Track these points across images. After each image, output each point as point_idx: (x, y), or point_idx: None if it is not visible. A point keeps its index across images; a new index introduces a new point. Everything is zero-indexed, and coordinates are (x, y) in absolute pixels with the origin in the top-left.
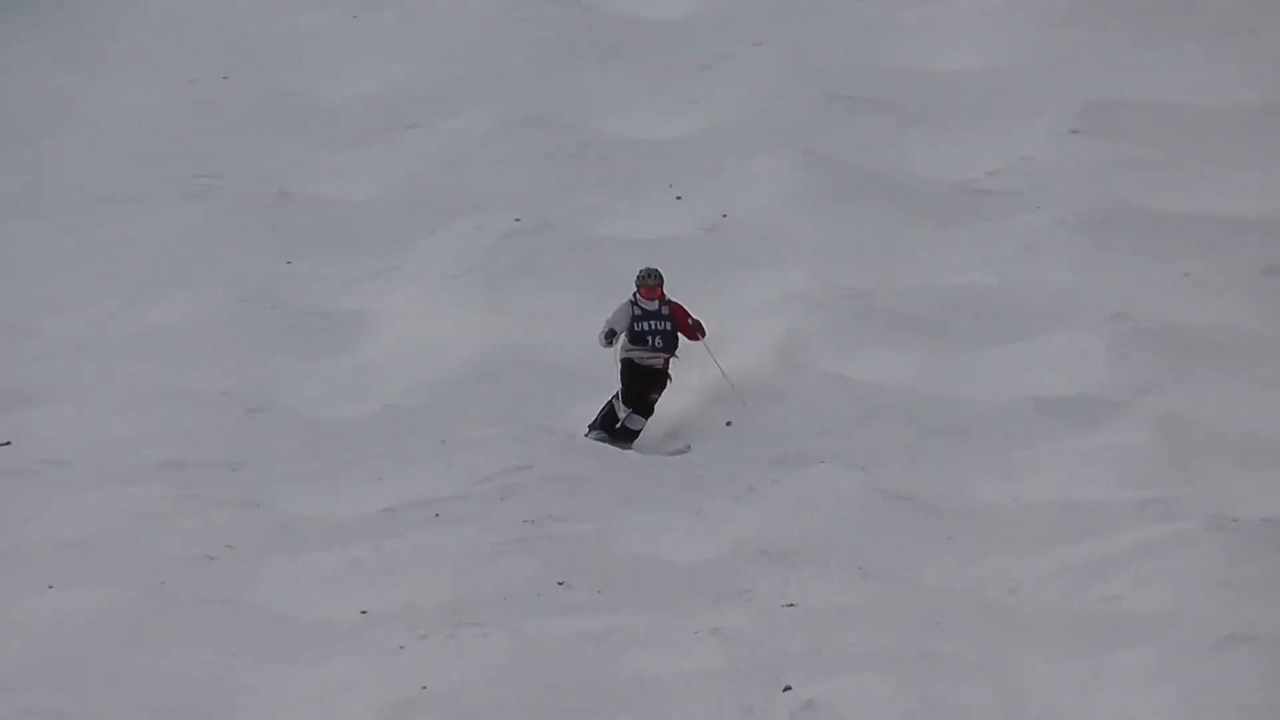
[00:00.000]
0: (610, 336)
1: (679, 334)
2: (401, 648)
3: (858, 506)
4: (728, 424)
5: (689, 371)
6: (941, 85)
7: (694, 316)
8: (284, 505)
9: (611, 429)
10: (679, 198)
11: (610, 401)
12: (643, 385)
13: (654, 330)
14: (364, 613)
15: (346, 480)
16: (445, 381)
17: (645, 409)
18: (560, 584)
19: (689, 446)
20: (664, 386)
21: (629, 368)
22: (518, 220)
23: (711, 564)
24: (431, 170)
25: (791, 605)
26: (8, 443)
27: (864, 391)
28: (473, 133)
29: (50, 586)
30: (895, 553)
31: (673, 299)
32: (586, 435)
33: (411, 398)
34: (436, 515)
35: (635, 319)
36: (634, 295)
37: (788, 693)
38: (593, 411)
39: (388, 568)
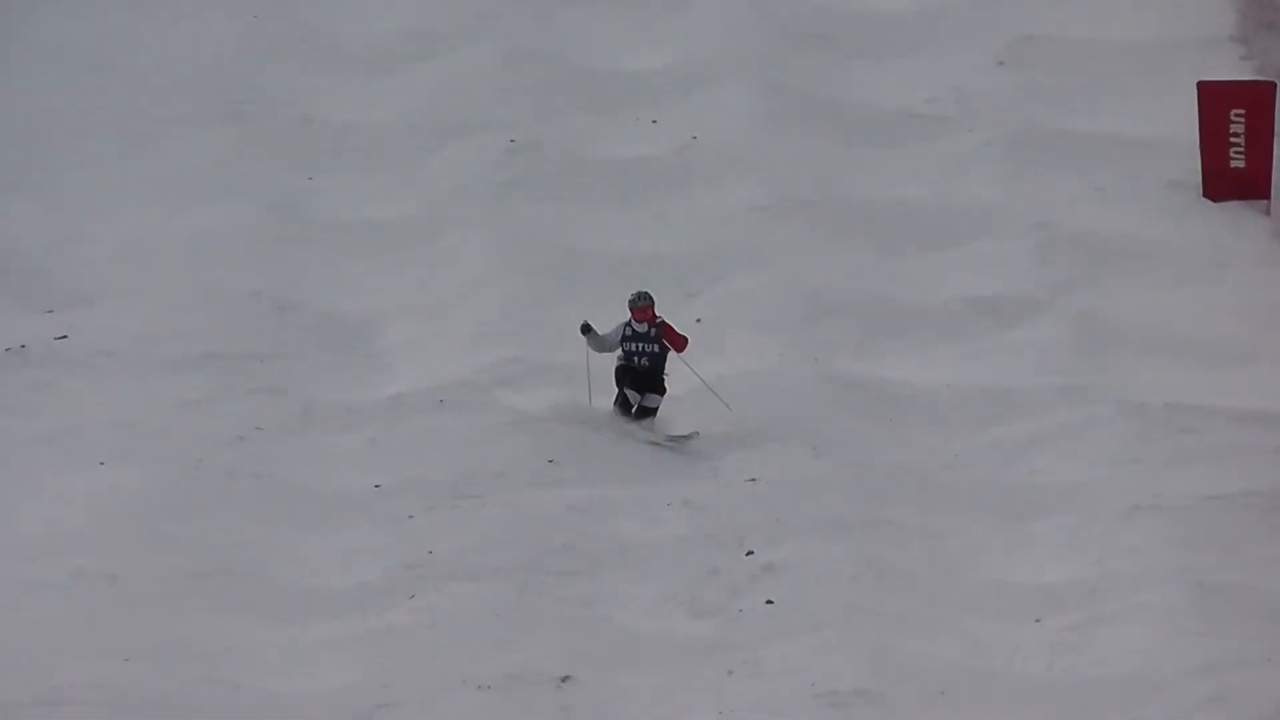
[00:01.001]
0: (586, 329)
1: (666, 343)
2: (410, 517)
3: (811, 394)
4: (698, 320)
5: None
6: (882, 23)
7: (682, 333)
8: (307, 392)
9: (628, 412)
10: (654, 122)
11: (621, 391)
12: (642, 379)
13: (640, 352)
14: (377, 486)
15: (363, 370)
16: (451, 283)
17: (657, 388)
18: (550, 462)
19: (697, 433)
20: (663, 379)
21: (624, 370)
22: (513, 141)
23: (682, 447)
24: (438, 97)
25: (753, 480)
26: (64, 336)
27: (814, 291)
28: (476, 65)
29: (101, 463)
30: (844, 434)
31: (662, 318)
32: (614, 412)
33: (420, 297)
34: (441, 401)
35: (625, 339)
36: (629, 319)
37: (750, 557)
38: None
39: (398, 447)
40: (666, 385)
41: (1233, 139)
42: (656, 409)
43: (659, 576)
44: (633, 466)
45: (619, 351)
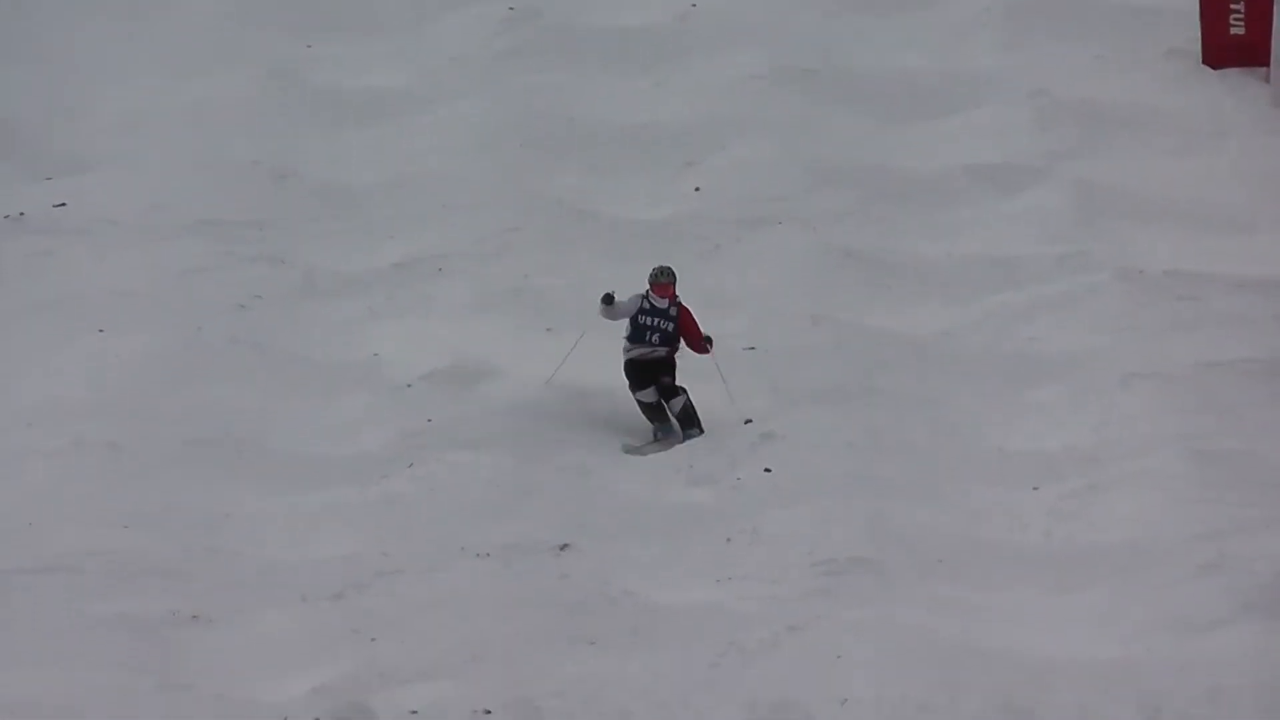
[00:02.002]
0: (608, 299)
1: (683, 340)
2: (409, 386)
3: (810, 262)
4: (696, 189)
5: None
6: None
7: (704, 331)
8: (307, 260)
9: (661, 416)
10: None
11: (636, 401)
12: (651, 373)
13: (655, 327)
14: (377, 355)
15: (362, 238)
16: (450, 151)
17: (669, 393)
18: (548, 330)
19: (701, 430)
20: (674, 367)
21: (632, 368)
22: (511, 9)
23: None
24: None
25: (752, 349)
26: (63, 204)
27: (813, 160)
28: None
29: (101, 330)
30: (843, 302)
31: (684, 303)
32: (654, 439)
33: (419, 165)
34: (440, 270)
35: (641, 312)
36: (647, 291)
37: (748, 425)
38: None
39: (397, 316)
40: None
41: (1232, 6)
42: (685, 410)
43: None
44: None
45: (627, 333)
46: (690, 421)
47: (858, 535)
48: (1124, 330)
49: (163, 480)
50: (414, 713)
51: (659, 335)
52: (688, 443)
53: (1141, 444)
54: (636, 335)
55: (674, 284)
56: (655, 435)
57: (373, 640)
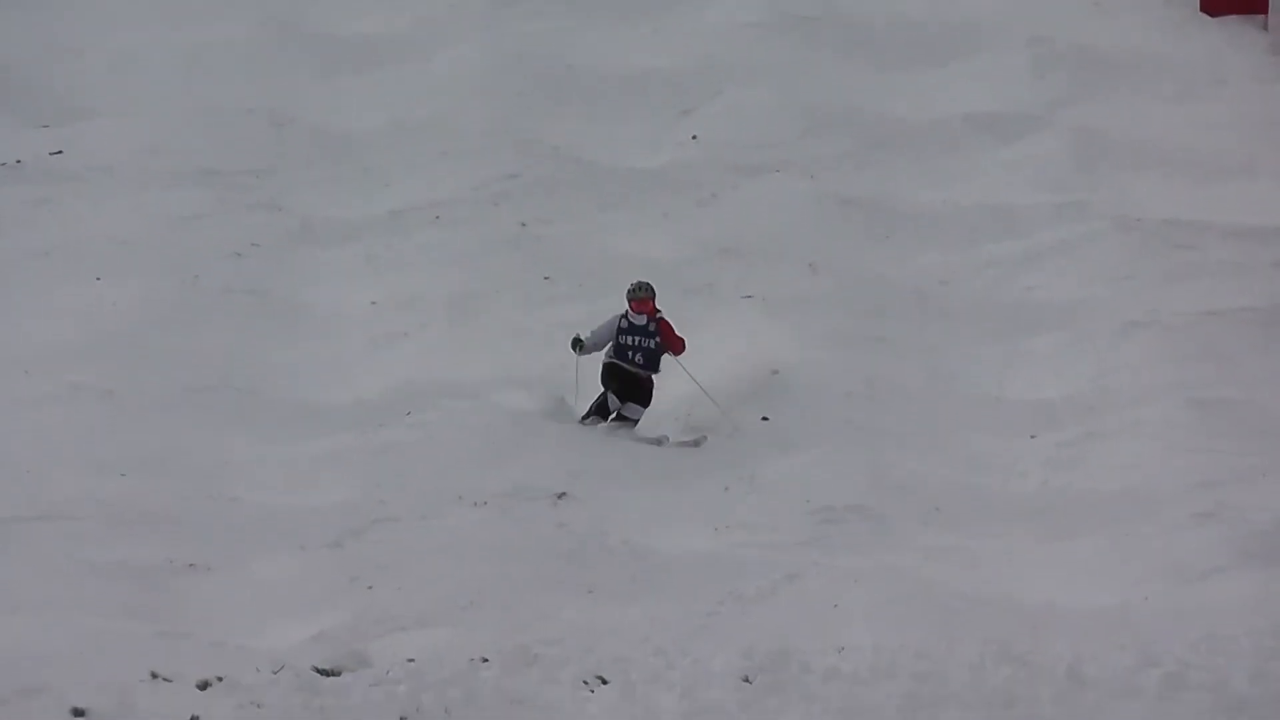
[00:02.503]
0: (576, 344)
1: (664, 346)
2: (406, 334)
3: (808, 209)
4: (694, 137)
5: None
6: None
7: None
8: (304, 207)
9: (604, 417)
10: None
11: (604, 393)
12: (628, 388)
13: (637, 346)
14: (374, 303)
15: (359, 185)
16: (448, 97)
17: (643, 398)
18: (546, 278)
19: (705, 437)
20: (650, 394)
21: (612, 370)
22: None
23: (678, 261)
24: None
25: (749, 297)
26: (60, 151)
27: (811, 108)
28: None
29: (98, 278)
30: (841, 250)
31: (663, 316)
32: (583, 422)
33: (416, 111)
34: (438, 217)
35: (621, 331)
36: (625, 310)
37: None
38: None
39: (395, 263)
40: (654, 396)
41: None
42: (637, 421)
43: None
44: (629, 283)
45: (609, 347)
46: (626, 424)
47: (855, 484)
48: (1122, 279)
49: (160, 427)
50: (411, 660)
51: (641, 355)
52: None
53: (1140, 393)
54: (619, 354)
55: (654, 298)
56: (584, 421)
57: (370, 588)
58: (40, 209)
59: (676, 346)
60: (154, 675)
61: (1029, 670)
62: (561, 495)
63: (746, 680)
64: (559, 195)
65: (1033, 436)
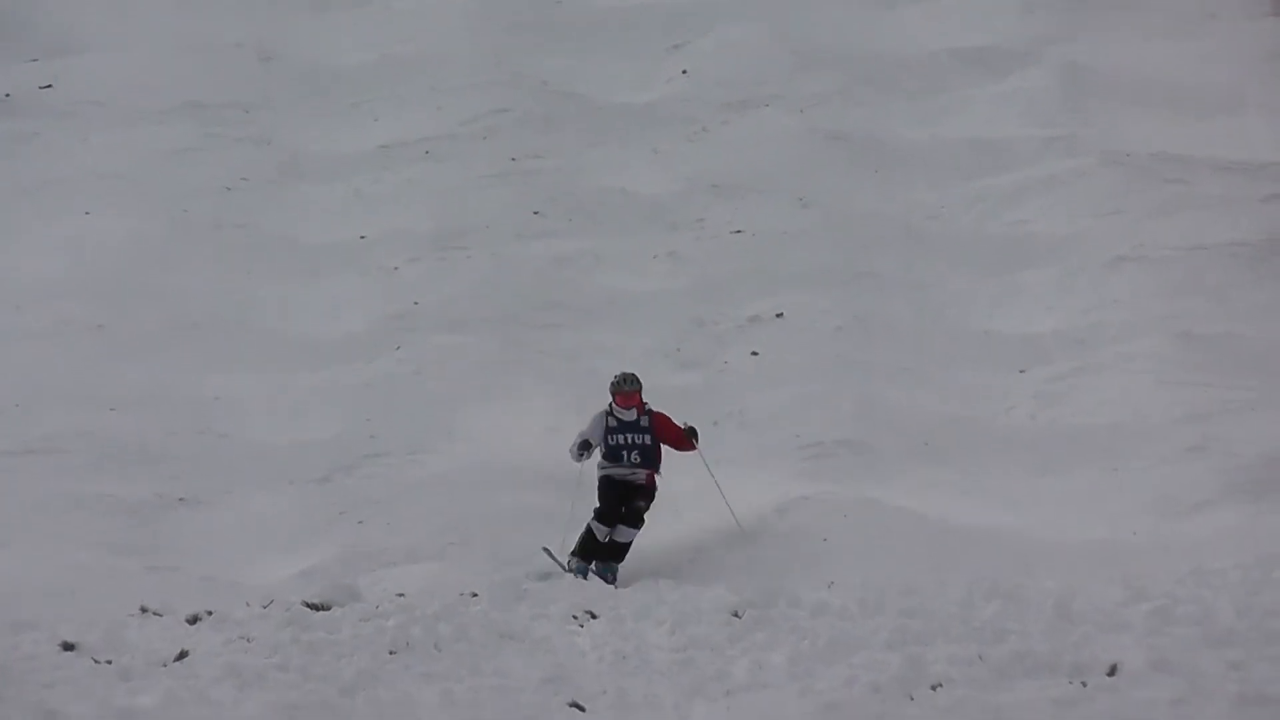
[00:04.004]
0: (584, 449)
1: (665, 447)
2: (396, 268)
3: (797, 145)
4: (684, 72)
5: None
6: None
7: (682, 424)
8: (292, 142)
9: (595, 553)
10: None
11: (588, 525)
12: (627, 496)
13: (631, 444)
14: (363, 237)
15: (347, 121)
16: (437, 32)
17: (634, 518)
18: (535, 213)
19: (615, 576)
20: (651, 497)
21: (607, 484)
22: None
23: (667, 196)
24: None
25: (739, 232)
26: (49, 85)
27: (800, 42)
28: None
29: (88, 212)
30: (830, 185)
31: (655, 408)
32: (568, 569)
33: (405, 46)
34: (427, 152)
35: (610, 431)
36: (609, 405)
37: (734, 306)
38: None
39: (384, 198)
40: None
41: None
42: (628, 545)
43: (645, 328)
44: (618, 217)
45: (597, 457)
46: (617, 557)
47: (845, 418)
48: (1111, 213)
49: (149, 362)
50: (401, 595)
51: (638, 453)
52: (669, 313)
53: (1129, 327)
54: (612, 456)
55: (640, 390)
56: (569, 565)
57: (360, 523)
58: (29, 143)
59: (682, 442)
60: (144, 609)
61: (1018, 604)
62: (552, 430)
63: (735, 615)
64: (548, 130)
65: (1022, 371)
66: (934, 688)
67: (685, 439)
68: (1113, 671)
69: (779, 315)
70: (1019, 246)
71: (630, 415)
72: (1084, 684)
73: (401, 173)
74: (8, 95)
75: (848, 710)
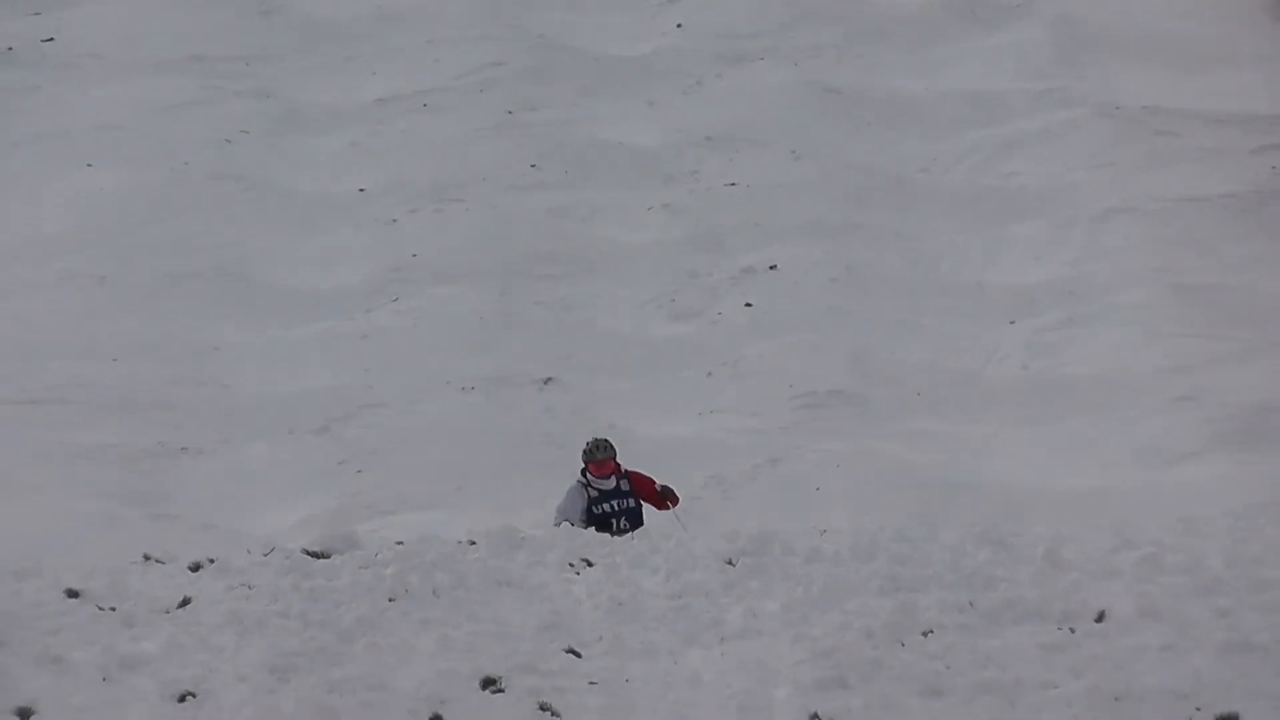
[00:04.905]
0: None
1: (646, 501)
2: (394, 220)
3: (791, 97)
4: (678, 25)
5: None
6: None
7: (661, 483)
8: (291, 95)
9: None
10: None
11: None
12: None
13: (618, 510)
14: (361, 190)
15: (346, 73)
16: None
17: None
18: (532, 166)
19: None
20: None
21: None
22: None
23: (662, 148)
24: None
25: (733, 184)
26: (51, 39)
27: None
28: None
29: (89, 165)
30: (824, 137)
31: (631, 468)
32: None
33: (402, 1)
34: (424, 105)
35: (592, 501)
36: (583, 475)
37: (728, 258)
38: None
39: (381, 150)
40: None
41: None
42: None
43: (639, 280)
44: (613, 169)
45: (580, 526)
46: None
47: (837, 369)
48: (1103, 165)
49: (150, 313)
50: (399, 543)
51: (625, 518)
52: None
53: (1119, 278)
54: (601, 526)
55: (614, 455)
56: None
57: (358, 472)
58: (31, 96)
59: (659, 503)
60: (146, 557)
61: (1008, 552)
62: (547, 381)
63: (730, 563)
64: (545, 83)
65: (1012, 322)
66: (925, 634)
67: (662, 501)
68: (1101, 618)
69: (773, 267)
70: (1011, 199)
71: (609, 483)
72: (1073, 630)
73: (399, 125)
74: (10, 48)
75: (841, 656)
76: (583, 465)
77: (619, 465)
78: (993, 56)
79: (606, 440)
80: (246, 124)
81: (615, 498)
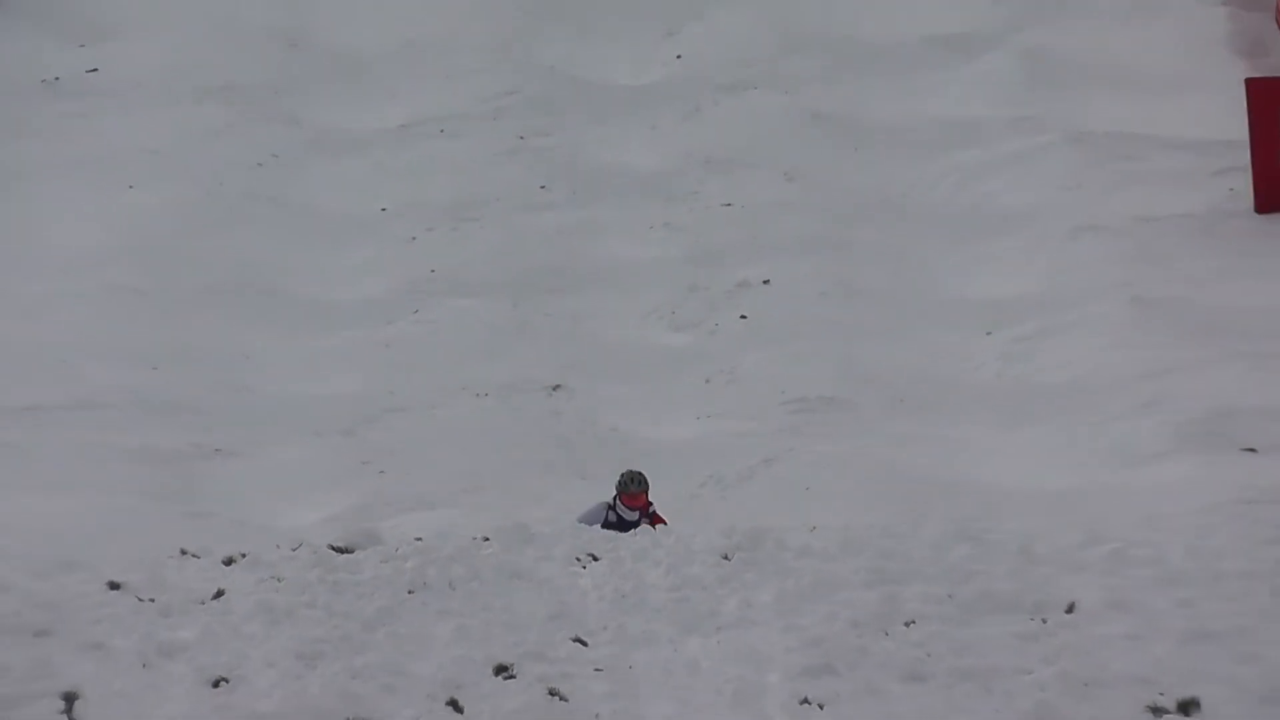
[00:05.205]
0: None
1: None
2: (414, 238)
3: (783, 123)
4: (678, 56)
5: None
6: None
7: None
8: (317, 121)
9: None
10: None
11: None
12: None
13: None
14: (383, 209)
15: (369, 101)
16: (449, 18)
17: None
18: (542, 187)
19: None
20: None
21: None
22: None
23: (664, 171)
24: None
25: (729, 204)
26: (95, 69)
27: (786, 27)
28: None
29: (130, 186)
30: (814, 161)
31: (657, 510)
32: None
33: (422, 32)
34: (442, 131)
35: (607, 524)
36: (613, 500)
37: (725, 273)
38: None
39: (402, 173)
40: None
41: None
42: None
43: (642, 293)
44: (618, 190)
45: None
46: None
47: (827, 376)
48: (1071, 187)
49: (187, 323)
50: (418, 539)
51: None
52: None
53: (1086, 292)
54: None
55: (646, 490)
56: None
57: (380, 472)
58: (77, 122)
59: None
60: (183, 551)
61: (985, 547)
62: (556, 387)
63: (726, 557)
64: (554, 110)
65: (989, 332)
66: (908, 624)
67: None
68: (1071, 609)
69: (766, 281)
70: (987, 218)
71: (633, 515)
72: (1044, 620)
73: (419, 149)
74: (57, 78)
75: (829, 644)
76: (615, 493)
77: (649, 502)
78: (969, 85)
79: (642, 474)
80: (276, 148)
81: (631, 528)
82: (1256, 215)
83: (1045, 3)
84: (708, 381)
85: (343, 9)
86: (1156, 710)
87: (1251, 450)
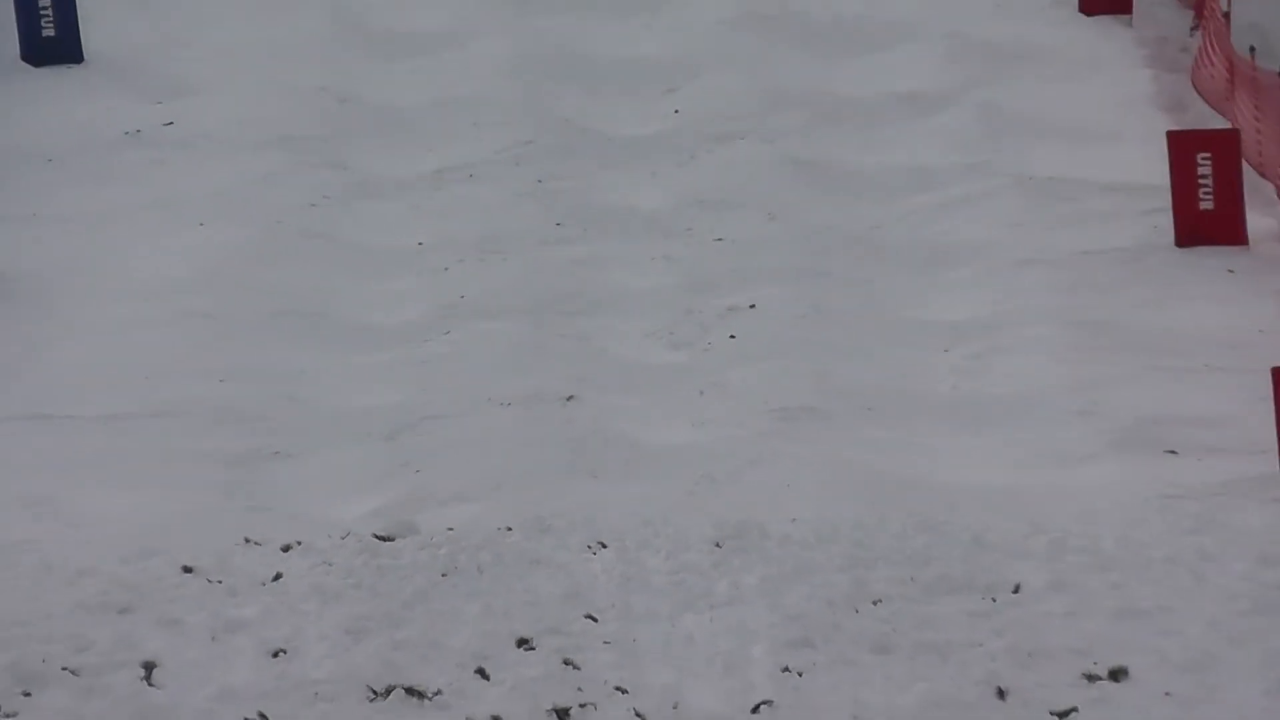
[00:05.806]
0: None
1: None
2: (446, 269)
3: (767, 169)
4: (676, 111)
5: None
6: None
7: None
8: (363, 167)
9: None
10: None
11: None
12: None
13: None
14: (420, 244)
15: (408, 150)
16: (479, 77)
17: None
18: (558, 224)
19: None
20: None
21: None
22: None
23: (663, 210)
24: None
25: (720, 239)
26: (171, 123)
27: (770, 87)
28: None
29: (201, 224)
30: (794, 202)
31: None
32: None
33: (454, 90)
34: (471, 175)
35: None
36: None
37: (716, 298)
38: None
39: (436, 212)
40: None
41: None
42: None
43: (644, 316)
44: (624, 228)
45: None
46: None
47: (806, 388)
48: (1018, 225)
49: (251, 343)
50: (450, 529)
51: None
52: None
53: (1030, 315)
54: None
55: None
56: None
57: (418, 472)
58: (155, 169)
59: None
60: (246, 540)
61: (942, 536)
62: (570, 398)
63: (718, 545)
64: (568, 157)
65: (946, 350)
66: (875, 603)
67: None
68: (1017, 590)
69: (752, 306)
70: (944, 252)
71: None
72: (994, 600)
73: (450, 192)
74: (139, 131)
75: (807, 621)
76: None
77: None
78: (929, 136)
79: None
80: (327, 191)
81: None
82: (1177, 249)
83: (995, 65)
84: (701, 393)
85: (386, 72)
86: (1091, 677)
87: (1173, 453)
